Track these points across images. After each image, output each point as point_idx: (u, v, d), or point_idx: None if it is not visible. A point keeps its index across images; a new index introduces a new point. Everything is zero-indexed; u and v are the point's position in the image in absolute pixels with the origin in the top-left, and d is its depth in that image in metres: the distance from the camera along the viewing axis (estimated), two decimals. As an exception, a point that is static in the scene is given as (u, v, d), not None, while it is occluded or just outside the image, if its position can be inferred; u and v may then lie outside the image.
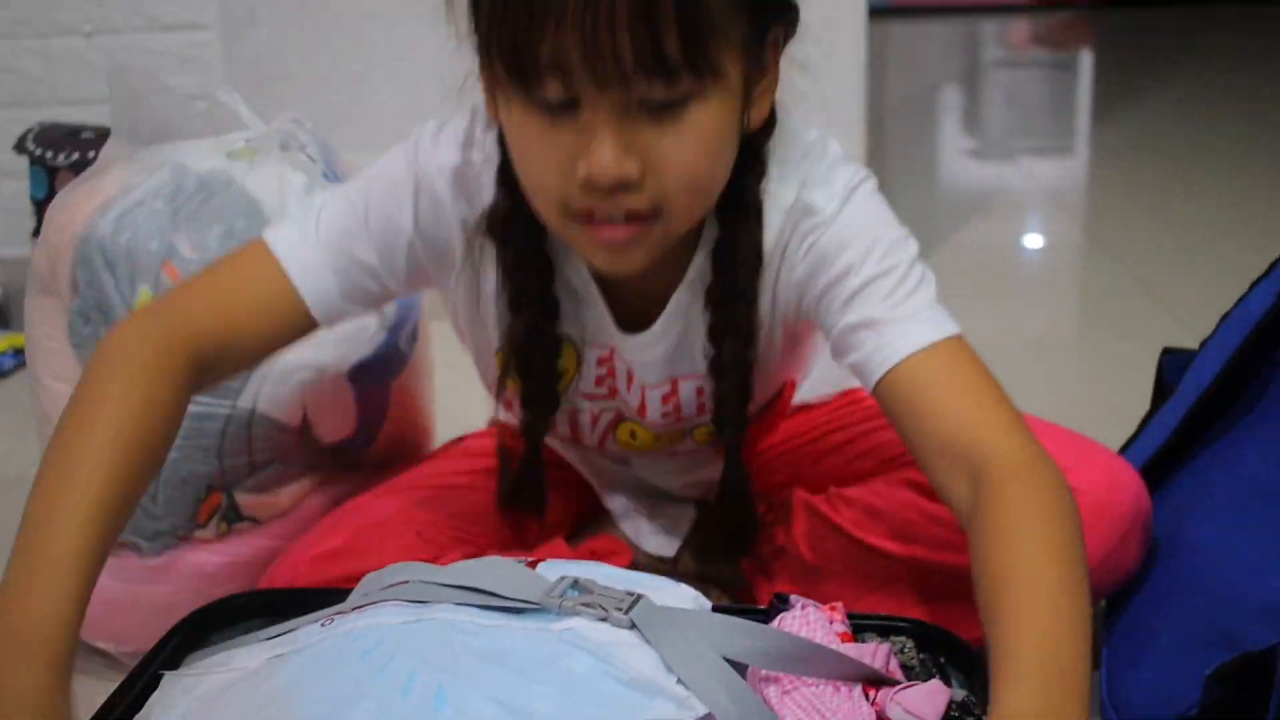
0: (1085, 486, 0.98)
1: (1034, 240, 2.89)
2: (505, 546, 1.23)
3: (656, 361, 1.11)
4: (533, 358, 1.08)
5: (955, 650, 0.91)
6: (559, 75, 0.85)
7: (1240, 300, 1.18)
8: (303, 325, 1.06)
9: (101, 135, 1.89)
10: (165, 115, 1.35)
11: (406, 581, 0.85)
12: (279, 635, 0.86)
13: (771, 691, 0.80)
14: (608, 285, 1.08)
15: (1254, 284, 1.16)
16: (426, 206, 1.05)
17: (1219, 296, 1.18)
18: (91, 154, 1.85)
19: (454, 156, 1.05)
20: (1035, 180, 3.33)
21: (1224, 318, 1.20)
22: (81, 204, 1.30)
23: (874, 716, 0.79)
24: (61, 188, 1.85)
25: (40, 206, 1.92)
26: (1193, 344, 1.27)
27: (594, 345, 1.12)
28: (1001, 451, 0.89)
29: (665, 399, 1.14)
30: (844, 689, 0.81)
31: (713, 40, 0.86)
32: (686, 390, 1.13)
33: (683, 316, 1.07)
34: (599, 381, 1.15)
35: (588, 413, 1.19)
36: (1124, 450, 1.31)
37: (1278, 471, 1.02)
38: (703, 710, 0.74)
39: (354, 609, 0.84)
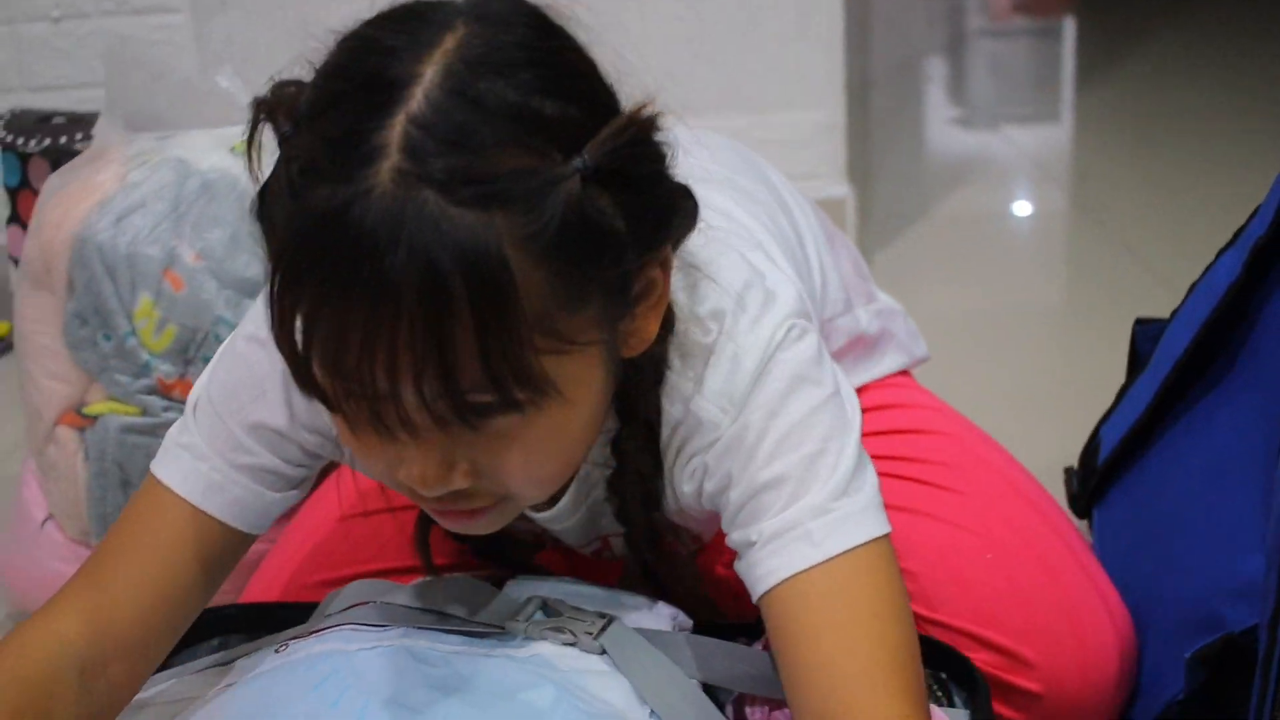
0: (1054, 693, 0.98)
1: (1020, 208, 2.88)
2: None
3: (575, 528, 0.96)
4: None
5: (956, 666, 0.88)
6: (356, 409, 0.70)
7: (1207, 270, 1.17)
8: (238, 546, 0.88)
9: (74, 121, 1.87)
10: (164, 98, 1.31)
11: (367, 603, 0.83)
12: (233, 660, 0.84)
13: (757, 716, 0.78)
14: None
15: (1220, 253, 1.15)
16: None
17: (1206, 263, 1.17)
18: (63, 139, 1.84)
19: None
20: (1019, 148, 3.32)
21: (1192, 287, 1.19)
22: (77, 198, 1.27)
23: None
24: (34, 174, 1.85)
25: (13, 194, 1.90)
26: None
27: None
28: None
29: (596, 552, 1.02)
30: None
31: (533, 358, 0.68)
32: (618, 543, 0.98)
33: (588, 488, 0.92)
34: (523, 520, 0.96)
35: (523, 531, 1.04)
36: (1103, 423, 1.31)
37: (1247, 443, 1.01)
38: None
39: (311, 633, 0.82)
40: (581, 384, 0.74)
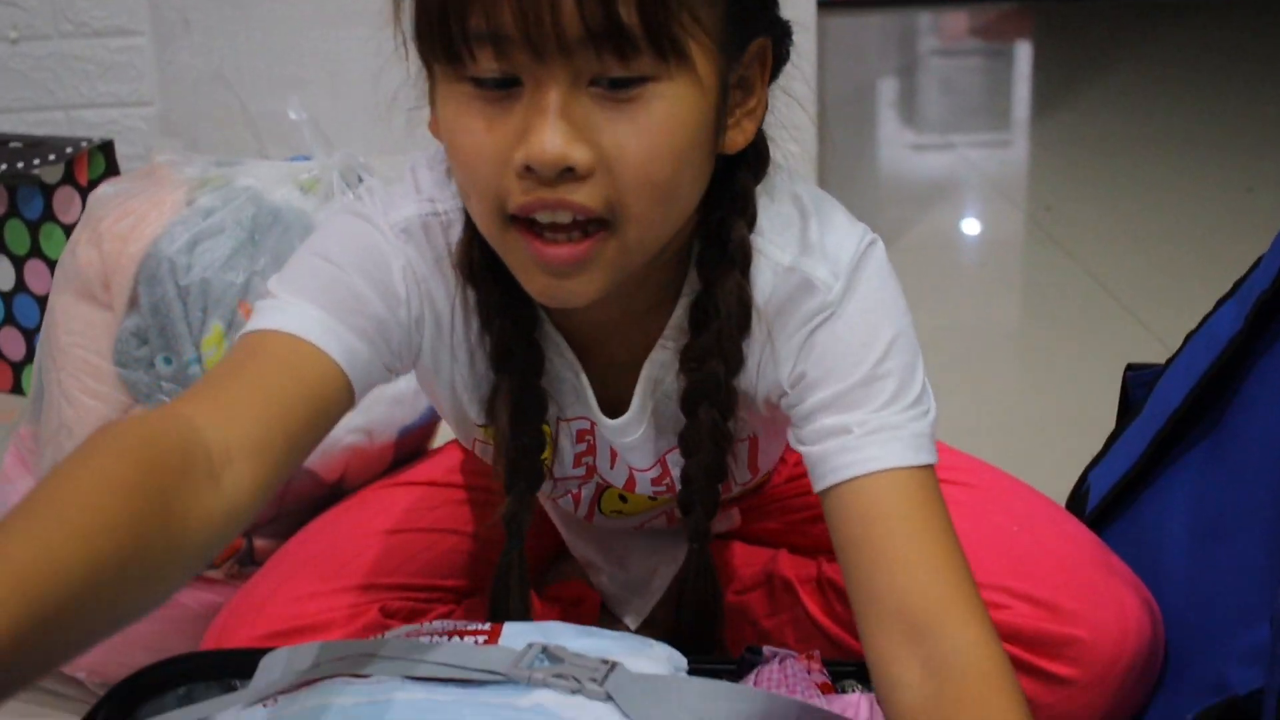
0: (1098, 638, 0.96)
1: (978, 230, 2.91)
2: (474, 595, 1.16)
3: (642, 443, 0.98)
4: (517, 423, 0.93)
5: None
6: (493, 47, 0.74)
7: (1205, 320, 1.16)
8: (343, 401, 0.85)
9: (30, 146, 1.83)
10: (220, 121, 1.28)
11: (350, 657, 0.80)
12: (217, 713, 0.80)
13: (755, 755, 0.77)
14: (583, 351, 0.95)
15: (1219, 303, 1.14)
16: (400, 276, 0.89)
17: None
18: (20, 164, 1.79)
19: (415, 207, 0.90)
20: (978, 171, 3.34)
21: (1189, 336, 1.18)
22: (145, 214, 1.23)
23: (862, 777, 0.77)
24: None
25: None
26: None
27: (568, 421, 0.99)
28: (964, 649, 0.77)
29: (656, 480, 1.02)
30: (829, 749, 0.78)
31: (678, 15, 0.74)
32: (677, 467, 0.99)
33: (660, 382, 0.95)
34: (577, 460, 1.03)
35: (568, 495, 1.09)
36: (1091, 468, 1.30)
37: (1249, 501, 1.00)
38: (687, 791, 0.70)
39: (298, 686, 0.79)
40: (699, 108, 0.78)
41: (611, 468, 1.02)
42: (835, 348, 0.86)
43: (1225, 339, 1.08)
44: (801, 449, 0.87)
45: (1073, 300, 2.30)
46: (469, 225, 0.88)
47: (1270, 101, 3.81)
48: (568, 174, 0.75)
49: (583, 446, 1.01)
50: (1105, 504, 1.24)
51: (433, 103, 0.83)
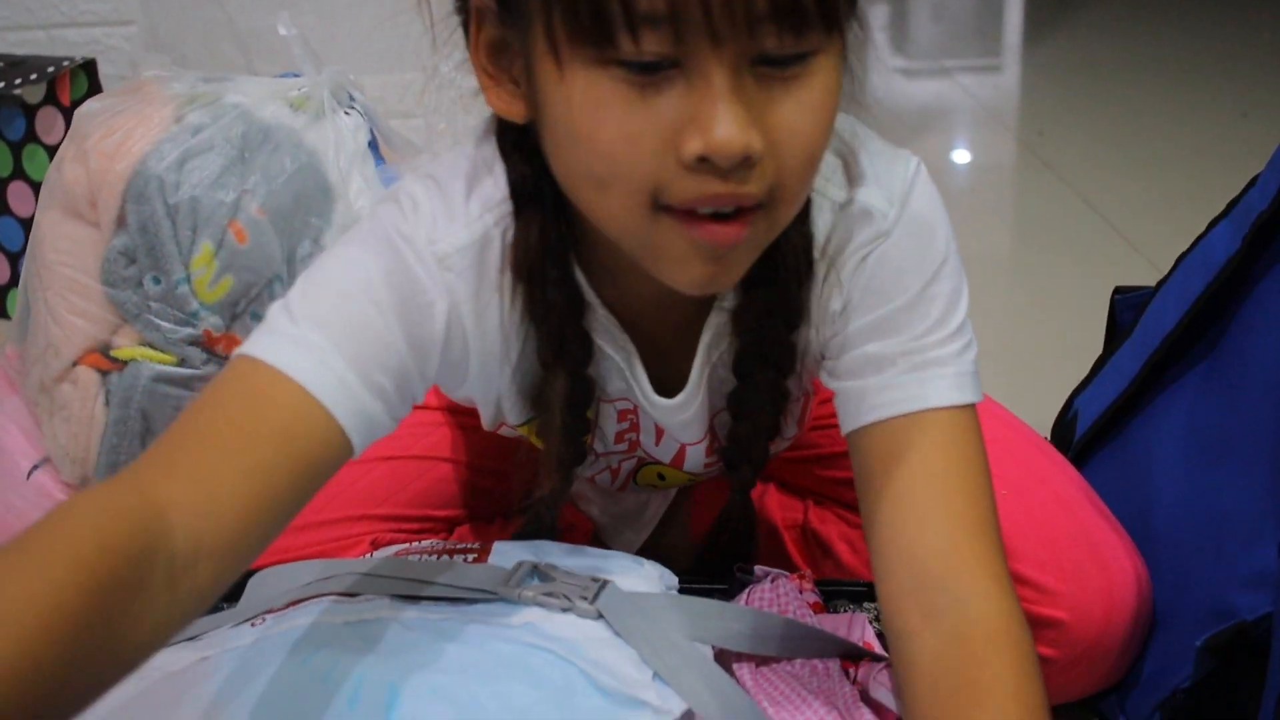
0: (1080, 621, 0.96)
1: (969, 155, 2.88)
2: (469, 521, 1.15)
3: (693, 418, 0.93)
4: (553, 416, 0.87)
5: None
6: (661, 27, 0.65)
7: (1198, 241, 1.14)
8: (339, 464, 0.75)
9: (11, 65, 1.80)
10: (207, 36, 1.26)
11: (338, 576, 0.79)
12: (204, 633, 0.79)
13: (745, 673, 0.77)
14: (634, 329, 0.88)
15: (1212, 224, 1.12)
16: (443, 322, 0.80)
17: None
18: (1, 84, 1.76)
19: (466, 230, 0.81)
20: (970, 96, 3.31)
21: (1181, 258, 1.17)
22: (132, 131, 1.21)
23: (856, 696, 0.77)
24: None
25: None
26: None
27: (611, 402, 0.93)
28: (981, 608, 0.75)
29: (709, 451, 0.98)
30: (822, 666, 0.78)
31: None
32: (724, 429, 0.95)
33: (715, 348, 0.89)
34: (619, 438, 0.97)
35: (605, 470, 1.03)
36: (1079, 393, 1.30)
37: (1247, 425, 1.00)
38: (681, 708, 0.70)
39: (285, 606, 0.78)
40: (840, 64, 0.72)
41: (657, 444, 0.98)
42: (884, 271, 0.83)
43: (1221, 260, 1.07)
44: (835, 384, 0.84)
45: (1065, 224, 2.28)
46: (523, 224, 0.81)
47: (1266, 27, 3.78)
48: (744, 162, 0.68)
49: (625, 425, 0.96)
50: (1094, 430, 1.23)
51: (528, 80, 0.73)
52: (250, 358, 0.72)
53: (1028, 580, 0.98)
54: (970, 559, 0.76)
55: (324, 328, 0.74)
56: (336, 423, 0.71)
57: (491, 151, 0.81)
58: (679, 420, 0.93)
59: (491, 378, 0.87)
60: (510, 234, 0.81)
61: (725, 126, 0.66)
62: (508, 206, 0.81)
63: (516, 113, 0.74)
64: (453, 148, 0.85)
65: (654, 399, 0.90)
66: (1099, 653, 1.00)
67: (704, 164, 0.67)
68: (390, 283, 0.78)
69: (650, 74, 0.67)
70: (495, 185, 0.81)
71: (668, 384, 0.91)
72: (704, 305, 0.87)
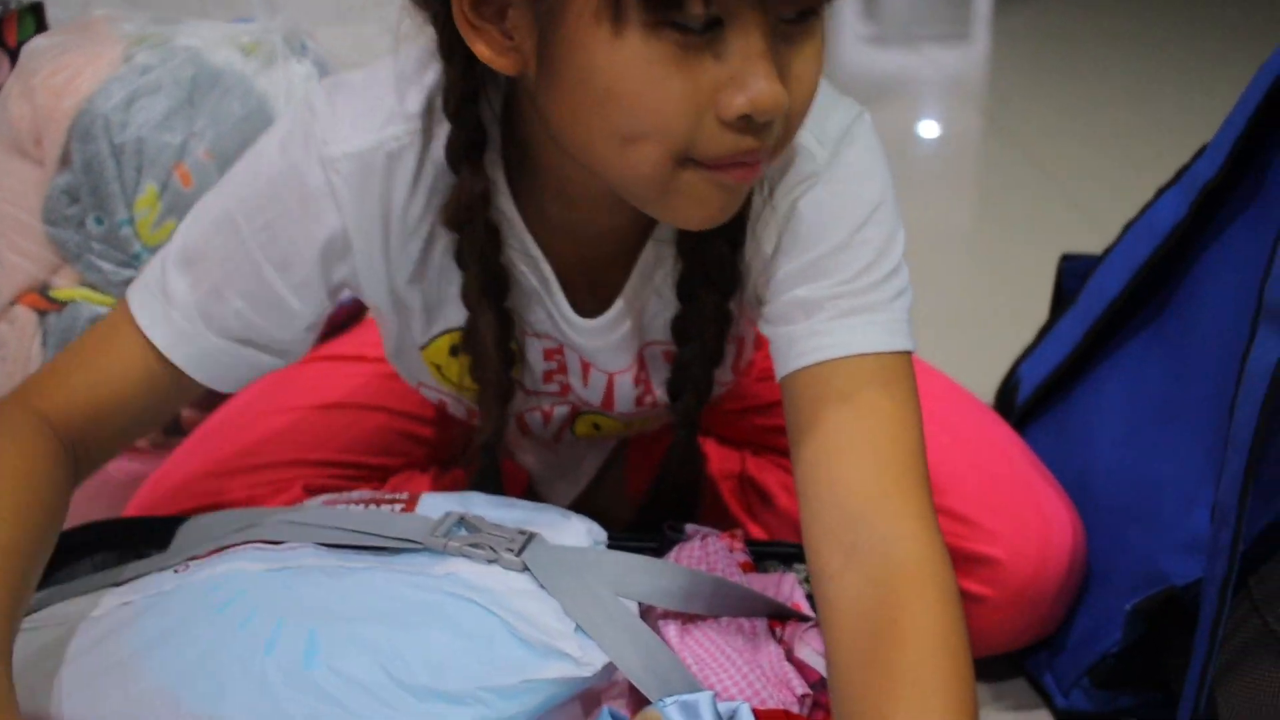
0: (1016, 561, 0.96)
1: (933, 125, 2.88)
2: (404, 470, 1.15)
3: (620, 341, 0.94)
4: (487, 352, 0.89)
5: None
6: None
7: (1146, 208, 1.14)
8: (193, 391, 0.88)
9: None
10: None
11: (263, 524, 0.79)
12: (127, 581, 0.79)
13: (671, 630, 0.76)
14: (561, 260, 0.90)
15: (1160, 191, 1.12)
16: (349, 209, 0.83)
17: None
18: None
19: (375, 134, 0.82)
20: (935, 65, 3.31)
21: (1128, 226, 1.17)
22: (81, 69, 1.19)
23: (781, 655, 0.77)
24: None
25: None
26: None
27: (534, 336, 0.95)
28: (904, 548, 0.74)
29: (636, 380, 0.98)
30: (748, 626, 0.78)
31: None
32: (654, 361, 0.97)
33: (650, 276, 0.91)
34: (547, 377, 0.98)
35: (537, 411, 1.04)
36: (1022, 360, 1.30)
37: (1189, 392, 1.00)
38: (602, 661, 0.69)
39: (209, 553, 0.78)
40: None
41: (586, 384, 0.99)
42: (815, 215, 0.83)
43: (1167, 228, 1.07)
44: (769, 330, 0.85)
45: (1020, 194, 2.29)
46: (463, 179, 0.82)
47: (1234, 3, 3.78)
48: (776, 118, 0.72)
49: (553, 365, 0.97)
50: (1035, 397, 1.24)
51: (540, 38, 0.73)
52: (122, 305, 0.85)
53: (965, 517, 1.00)
54: (896, 498, 0.76)
55: (192, 270, 0.84)
56: (175, 368, 0.83)
57: (416, 71, 0.83)
58: (603, 345, 0.93)
59: (378, 279, 0.88)
60: (420, 154, 0.83)
61: (768, 84, 0.69)
62: (418, 124, 0.82)
63: (505, 65, 0.75)
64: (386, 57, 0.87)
65: (574, 319, 0.91)
66: (1032, 596, 1.00)
67: (743, 120, 0.70)
68: (279, 200, 0.83)
69: (702, 34, 0.69)
70: (412, 101, 0.82)
71: (596, 313, 0.92)
72: (640, 237, 0.88)
